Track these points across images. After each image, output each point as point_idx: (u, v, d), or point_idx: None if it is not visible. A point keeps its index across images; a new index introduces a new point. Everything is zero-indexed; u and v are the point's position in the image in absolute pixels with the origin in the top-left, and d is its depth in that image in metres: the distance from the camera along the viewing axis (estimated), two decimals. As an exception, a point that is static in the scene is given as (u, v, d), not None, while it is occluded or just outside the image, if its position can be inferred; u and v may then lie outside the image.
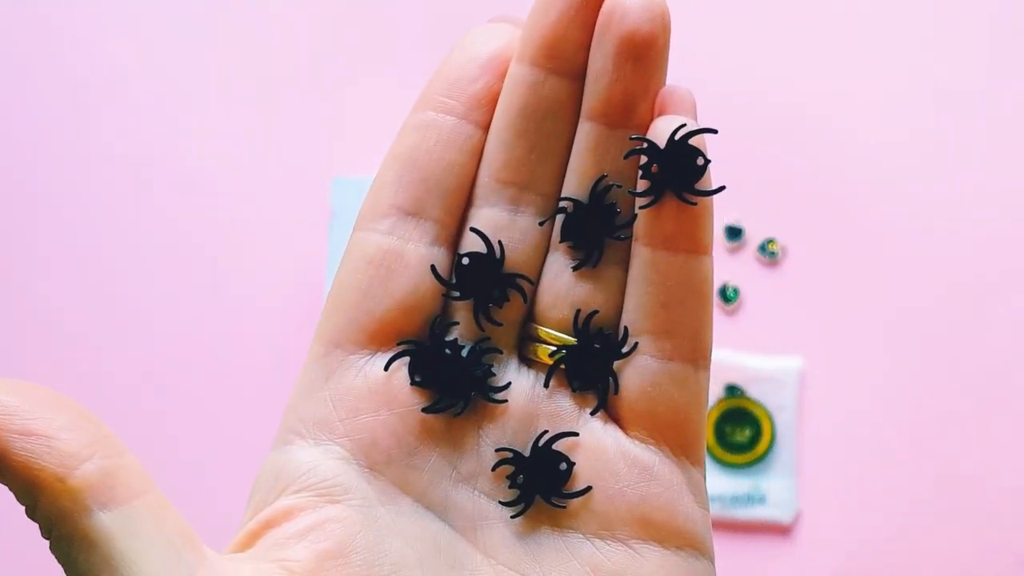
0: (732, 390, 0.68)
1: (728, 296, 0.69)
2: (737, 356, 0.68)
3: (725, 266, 0.70)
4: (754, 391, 0.68)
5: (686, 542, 0.26)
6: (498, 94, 0.26)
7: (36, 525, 0.23)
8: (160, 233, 0.71)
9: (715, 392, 0.68)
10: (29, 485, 0.22)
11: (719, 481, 0.68)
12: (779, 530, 0.68)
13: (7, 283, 0.71)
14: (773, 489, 0.67)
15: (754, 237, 0.70)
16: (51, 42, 0.73)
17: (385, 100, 0.72)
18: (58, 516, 0.22)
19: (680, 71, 0.73)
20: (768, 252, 0.69)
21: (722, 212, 0.70)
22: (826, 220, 0.70)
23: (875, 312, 0.69)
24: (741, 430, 0.68)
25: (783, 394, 0.68)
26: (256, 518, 0.25)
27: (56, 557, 0.23)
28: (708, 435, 0.68)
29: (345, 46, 0.72)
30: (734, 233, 0.70)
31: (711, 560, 0.26)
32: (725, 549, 0.68)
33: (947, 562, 0.67)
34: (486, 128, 0.26)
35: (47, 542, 0.23)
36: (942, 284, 0.69)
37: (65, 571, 0.23)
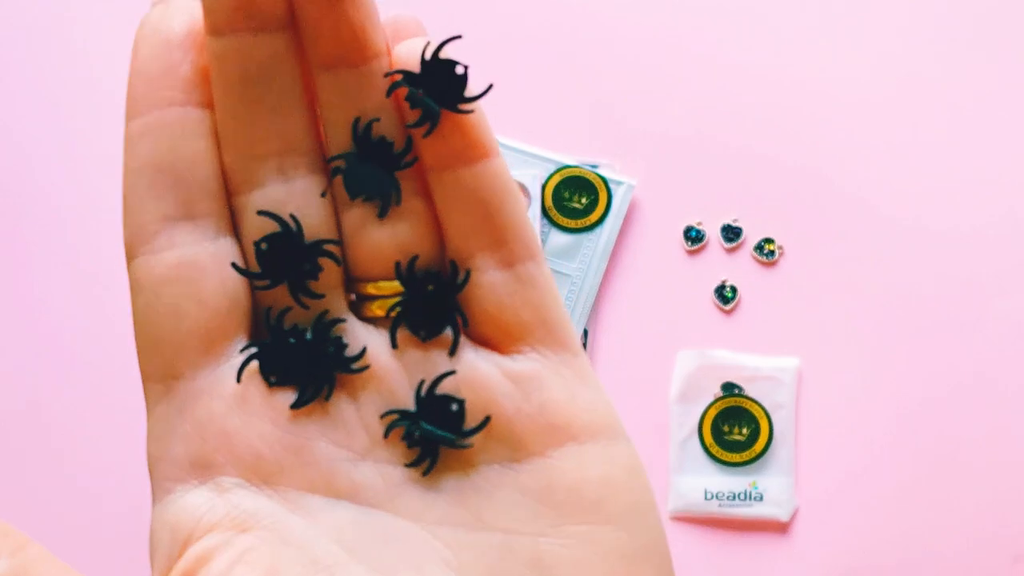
0: (730, 388, 0.68)
1: (726, 296, 0.69)
2: (735, 355, 0.68)
3: (723, 266, 0.70)
4: (751, 390, 0.68)
5: (596, 430, 0.25)
6: (207, 68, 0.24)
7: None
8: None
9: (712, 391, 0.68)
10: None
11: (717, 479, 0.68)
12: (777, 528, 0.68)
13: (7, 283, 0.71)
14: (770, 487, 0.68)
15: (752, 237, 0.70)
16: (52, 41, 0.73)
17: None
18: None
19: (678, 71, 0.73)
20: (765, 252, 0.70)
21: (720, 212, 0.70)
22: (824, 220, 0.70)
23: (872, 312, 0.69)
24: (738, 428, 0.68)
25: (780, 393, 0.68)
26: None
27: None
28: (706, 433, 0.68)
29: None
30: (732, 233, 0.70)
31: (627, 439, 0.25)
32: (723, 547, 0.68)
33: (945, 560, 0.67)
34: (211, 105, 0.24)
35: None
36: (940, 284, 0.69)
37: None
